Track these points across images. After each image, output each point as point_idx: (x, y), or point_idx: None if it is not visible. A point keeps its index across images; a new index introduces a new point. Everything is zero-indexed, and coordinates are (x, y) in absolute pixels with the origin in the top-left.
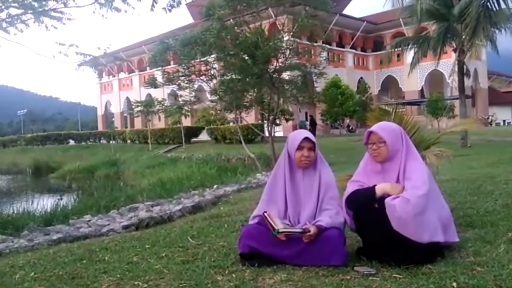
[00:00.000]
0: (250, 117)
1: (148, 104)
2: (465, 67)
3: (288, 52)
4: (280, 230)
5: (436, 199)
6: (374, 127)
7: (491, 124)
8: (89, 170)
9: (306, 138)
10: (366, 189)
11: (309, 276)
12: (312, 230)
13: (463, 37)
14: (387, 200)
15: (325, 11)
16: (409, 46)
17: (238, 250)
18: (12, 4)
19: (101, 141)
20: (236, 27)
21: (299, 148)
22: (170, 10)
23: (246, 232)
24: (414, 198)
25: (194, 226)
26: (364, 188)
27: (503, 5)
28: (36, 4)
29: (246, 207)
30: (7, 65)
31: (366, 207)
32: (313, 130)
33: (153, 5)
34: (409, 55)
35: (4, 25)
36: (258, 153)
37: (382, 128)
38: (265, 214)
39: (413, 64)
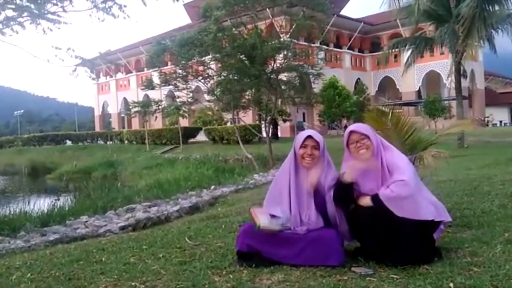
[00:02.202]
0: (247, 117)
1: (146, 104)
2: (462, 68)
3: (286, 53)
4: (261, 227)
5: (421, 183)
6: (353, 127)
7: (487, 125)
8: (86, 171)
9: (310, 137)
10: (337, 185)
11: (306, 277)
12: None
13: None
14: (381, 191)
15: (322, 12)
16: (406, 47)
17: (235, 248)
18: (9, 6)
19: (98, 141)
20: (233, 29)
21: (303, 146)
22: (178, 0)
23: (244, 230)
24: (407, 177)
25: (191, 226)
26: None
27: (497, 6)
28: (33, 7)
29: (244, 208)
30: (4, 66)
31: (362, 208)
32: (275, 131)
33: None
34: (406, 56)
35: (0, 26)
36: (256, 153)
37: (359, 126)
38: (250, 210)
39: (408, 64)
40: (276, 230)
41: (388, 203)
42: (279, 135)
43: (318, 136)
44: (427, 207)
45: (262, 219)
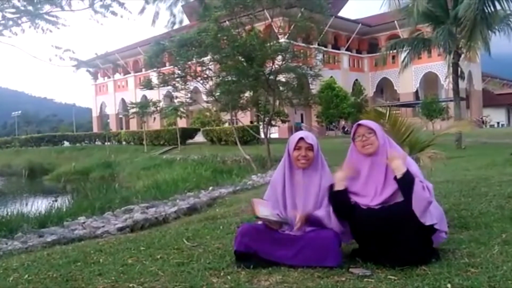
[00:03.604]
0: (245, 118)
1: (144, 105)
2: (459, 69)
3: (285, 54)
4: (260, 215)
5: None
6: (361, 121)
7: (485, 126)
8: (84, 172)
9: (303, 139)
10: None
11: (304, 278)
12: (298, 216)
13: (460, 39)
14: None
15: (321, 14)
16: (404, 48)
17: (233, 248)
18: (8, 9)
19: (96, 142)
20: (232, 29)
21: (297, 148)
22: (172, 28)
23: (242, 230)
24: (430, 187)
25: (189, 228)
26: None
27: (499, 6)
28: (31, 8)
29: (242, 209)
30: (2, 66)
31: (361, 209)
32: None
33: (153, 21)
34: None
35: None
36: (254, 154)
37: (367, 121)
38: (252, 200)
39: (405, 64)
40: (274, 220)
41: (418, 200)
42: (277, 136)
43: (311, 137)
44: (430, 212)
45: (262, 209)
